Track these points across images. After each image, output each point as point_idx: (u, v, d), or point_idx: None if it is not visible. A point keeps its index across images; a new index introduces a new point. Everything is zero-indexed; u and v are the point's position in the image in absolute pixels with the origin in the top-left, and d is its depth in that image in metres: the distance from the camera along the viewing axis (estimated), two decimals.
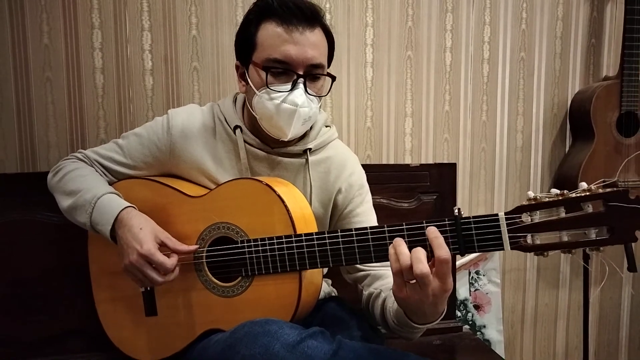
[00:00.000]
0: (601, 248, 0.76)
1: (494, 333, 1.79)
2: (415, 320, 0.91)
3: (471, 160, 1.76)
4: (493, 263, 1.78)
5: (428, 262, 0.81)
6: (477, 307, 1.78)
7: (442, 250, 0.80)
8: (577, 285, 1.91)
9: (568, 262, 1.89)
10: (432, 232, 0.82)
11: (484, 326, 1.78)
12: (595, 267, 1.89)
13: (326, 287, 1.22)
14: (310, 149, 1.10)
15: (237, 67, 1.09)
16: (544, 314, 1.90)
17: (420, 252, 0.81)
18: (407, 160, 1.70)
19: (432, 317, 0.89)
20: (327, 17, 1.55)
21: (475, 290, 1.78)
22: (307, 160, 1.10)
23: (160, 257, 0.95)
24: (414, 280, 0.81)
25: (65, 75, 1.42)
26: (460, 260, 1.73)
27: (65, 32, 1.40)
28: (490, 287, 1.78)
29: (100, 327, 1.14)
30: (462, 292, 1.76)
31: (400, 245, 0.83)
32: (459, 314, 1.75)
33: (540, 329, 1.90)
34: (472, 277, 1.77)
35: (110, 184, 1.11)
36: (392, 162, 1.69)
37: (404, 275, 0.81)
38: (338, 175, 1.13)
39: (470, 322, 1.77)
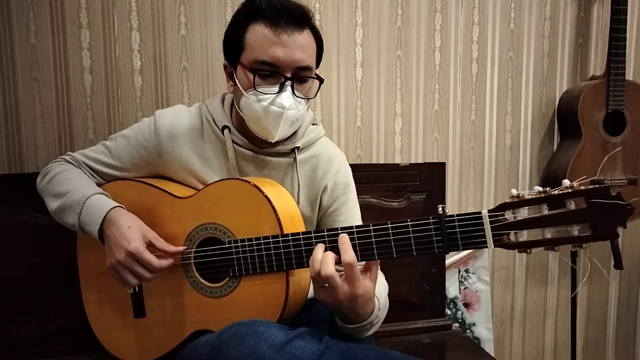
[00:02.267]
0: (584, 245, 0.76)
1: (484, 331, 1.80)
2: (344, 320, 0.93)
3: (460, 159, 1.77)
4: (482, 261, 1.79)
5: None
6: (466, 305, 1.79)
7: (347, 254, 0.85)
8: (565, 283, 1.92)
9: (556, 260, 1.91)
10: (341, 238, 0.88)
11: (474, 324, 1.79)
12: (582, 265, 1.90)
13: None
14: (298, 147, 1.10)
15: (225, 67, 1.09)
16: (533, 311, 1.91)
17: (327, 257, 0.86)
18: (397, 160, 1.71)
19: (359, 319, 0.91)
20: (317, 17, 1.56)
21: (464, 289, 1.79)
22: (294, 159, 1.10)
23: (148, 255, 0.95)
24: (327, 285, 0.85)
25: (52, 75, 1.41)
26: (449, 259, 1.74)
27: (52, 32, 1.40)
28: (480, 285, 1.79)
29: (88, 329, 1.14)
30: (452, 290, 1.77)
31: (316, 251, 0.88)
32: (448, 312, 1.76)
33: (529, 327, 1.92)
34: (462, 275, 1.79)
35: (99, 186, 1.11)
36: (382, 161, 1.69)
37: (316, 279, 0.86)
38: (325, 172, 1.13)
39: (459, 320, 1.78)
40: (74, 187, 1.05)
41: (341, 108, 1.64)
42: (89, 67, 1.43)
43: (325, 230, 0.90)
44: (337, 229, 0.89)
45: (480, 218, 0.79)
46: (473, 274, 1.79)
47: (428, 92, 1.71)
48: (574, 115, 1.70)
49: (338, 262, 0.87)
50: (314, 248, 0.90)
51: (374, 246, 0.87)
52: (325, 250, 0.88)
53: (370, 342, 1.06)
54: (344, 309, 0.88)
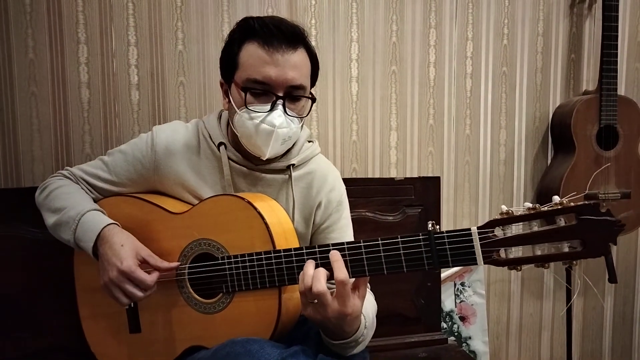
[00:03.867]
0: (574, 262, 0.76)
1: (480, 344, 1.80)
2: (329, 336, 0.93)
3: (455, 173, 1.78)
4: (478, 275, 1.79)
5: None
6: (462, 318, 1.79)
7: (340, 272, 0.86)
8: (561, 296, 1.93)
9: (552, 273, 1.91)
10: (334, 255, 0.88)
11: (470, 337, 1.79)
12: (576, 278, 1.91)
13: None
14: (293, 164, 1.11)
15: (221, 84, 1.10)
16: (529, 324, 1.91)
17: (320, 272, 0.86)
18: (393, 174, 1.72)
19: (344, 335, 0.92)
20: (313, 32, 1.58)
21: (460, 302, 1.79)
22: (290, 176, 1.11)
23: (140, 274, 0.95)
24: (316, 301, 0.85)
25: (50, 90, 1.42)
26: (445, 273, 1.74)
27: (50, 47, 1.41)
28: (476, 299, 1.79)
29: (84, 343, 1.13)
30: (448, 303, 1.77)
31: (307, 266, 0.88)
32: (444, 325, 1.76)
33: (525, 340, 1.92)
34: (458, 288, 1.79)
35: (96, 201, 1.12)
36: (377, 175, 1.70)
37: (306, 295, 0.86)
38: (319, 189, 1.14)
39: (455, 334, 1.78)
40: (70, 203, 1.06)
41: (337, 122, 1.65)
42: (87, 81, 1.45)
43: (317, 246, 0.91)
44: (328, 245, 0.90)
45: (470, 235, 0.79)
46: (469, 287, 1.79)
47: (423, 106, 1.73)
48: (567, 130, 1.71)
49: (329, 278, 0.87)
50: (304, 264, 0.91)
51: (365, 262, 0.87)
52: (317, 266, 0.89)
53: (365, 357, 1.06)
54: (330, 325, 0.89)
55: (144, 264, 0.98)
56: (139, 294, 0.96)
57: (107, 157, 1.15)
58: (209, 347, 0.96)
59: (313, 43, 1.08)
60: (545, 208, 0.76)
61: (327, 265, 0.88)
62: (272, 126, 0.99)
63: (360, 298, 0.88)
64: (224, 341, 0.90)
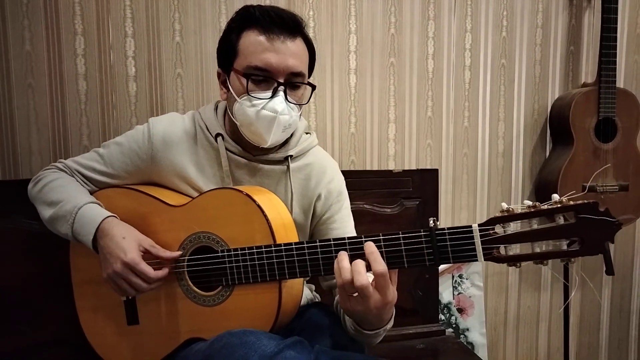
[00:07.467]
0: (572, 259, 0.77)
1: (477, 336, 1.81)
2: (365, 327, 0.94)
3: (453, 165, 1.78)
4: (476, 267, 1.80)
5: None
6: (460, 310, 1.80)
7: (378, 264, 0.84)
8: (559, 288, 1.94)
9: (549, 269, 1.92)
10: (369, 247, 0.86)
11: (467, 329, 1.81)
12: (574, 271, 1.92)
13: (309, 293, 1.23)
14: (291, 156, 1.11)
15: (218, 75, 1.10)
16: (526, 316, 1.93)
17: (359, 265, 0.84)
18: (391, 166, 1.72)
19: (379, 324, 0.93)
20: (311, 24, 1.57)
21: (458, 294, 1.80)
22: (288, 167, 1.11)
23: (144, 266, 0.96)
24: (356, 294, 0.84)
25: (47, 82, 1.41)
26: (443, 265, 1.75)
27: (47, 39, 1.40)
28: (473, 291, 1.80)
29: (81, 336, 1.14)
30: (446, 295, 1.78)
31: (342, 260, 0.86)
32: (442, 317, 1.77)
33: (522, 332, 1.93)
34: (456, 280, 1.80)
35: (92, 193, 1.11)
36: (375, 167, 1.70)
37: (345, 289, 0.85)
38: (318, 181, 1.14)
39: (453, 326, 1.79)
40: (66, 195, 1.06)
41: (335, 114, 1.65)
42: (84, 73, 1.43)
43: (317, 240, 0.91)
44: (329, 240, 0.90)
45: (471, 232, 0.79)
46: (467, 279, 1.80)
47: (421, 98, 1.72)
48: (566, 122, 1.71)
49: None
50: (306, 258, 0.91)
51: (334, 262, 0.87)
52: (326, 259, 0.88)
53: (362, 350, 1.06)
54: (369, 317, 0.88)
55: (146, 254, 0.99)
56: (143, 285, 0.96)
57: (103, 149, 1.14)
58: (207, 339, 0.96)
59: (311, 34, 1.08)
60: (545, 206, 0.77)
61: (332, 258, 0.87)
62: (274, 112, 0.99)
63: (394, 284, 0.87)
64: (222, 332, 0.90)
